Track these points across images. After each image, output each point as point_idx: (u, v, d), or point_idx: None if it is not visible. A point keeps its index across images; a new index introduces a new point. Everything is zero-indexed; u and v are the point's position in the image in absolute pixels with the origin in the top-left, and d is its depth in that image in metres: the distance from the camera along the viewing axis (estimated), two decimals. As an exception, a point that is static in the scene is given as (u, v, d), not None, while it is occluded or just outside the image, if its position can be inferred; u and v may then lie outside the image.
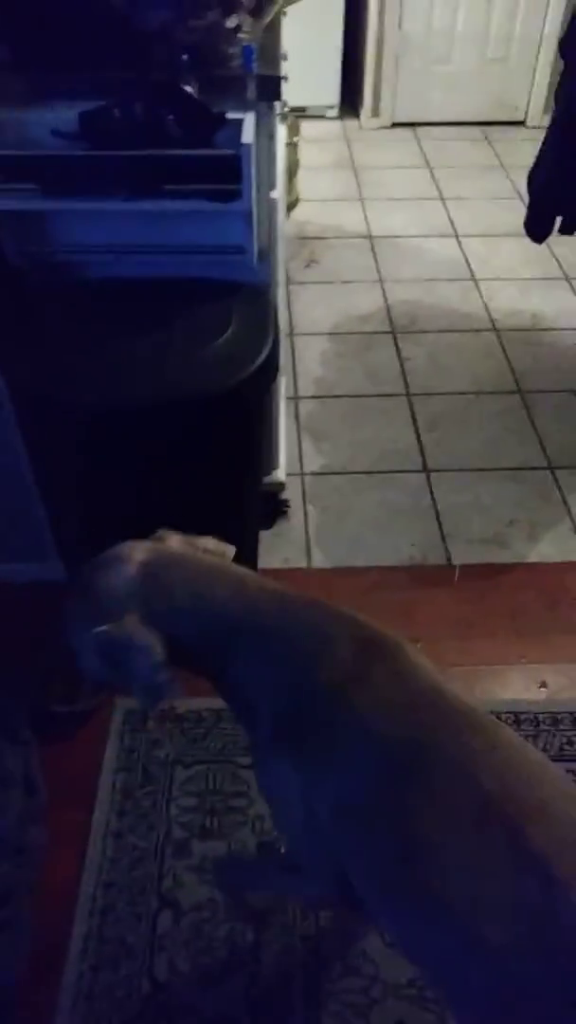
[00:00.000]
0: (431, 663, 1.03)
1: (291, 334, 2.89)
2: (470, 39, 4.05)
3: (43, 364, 1.56)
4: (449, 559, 2.13)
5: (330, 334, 2.90)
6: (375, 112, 4.32)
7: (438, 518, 2.24)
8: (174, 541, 1.09)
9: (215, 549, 1.12)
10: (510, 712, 1.79)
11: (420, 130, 4.31)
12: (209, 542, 1.12)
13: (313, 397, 2.65)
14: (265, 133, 1.53)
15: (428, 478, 2.35)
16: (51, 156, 1.47)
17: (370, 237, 3.46)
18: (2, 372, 1.64)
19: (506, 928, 0.83)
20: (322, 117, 4.38)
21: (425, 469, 2.38)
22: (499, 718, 1.03)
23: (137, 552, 1.03)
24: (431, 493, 2.31)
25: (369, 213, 3.62)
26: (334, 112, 4.41)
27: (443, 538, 2.19)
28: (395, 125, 4.35)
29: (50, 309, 1.64)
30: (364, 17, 4.04)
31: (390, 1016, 1.39)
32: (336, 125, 4.38)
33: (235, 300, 1.63)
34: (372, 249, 3.38)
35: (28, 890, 1.53)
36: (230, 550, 1.15)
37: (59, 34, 1.46)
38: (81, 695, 1.81)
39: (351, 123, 4.42)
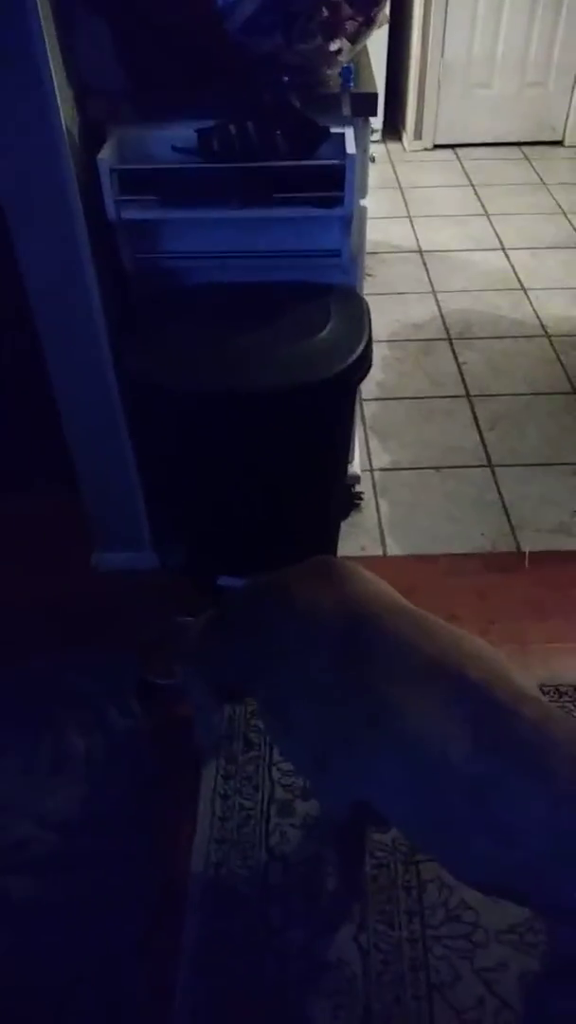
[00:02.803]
0: (381, 581, 1.27)
1: (352, 342, 3.02)
2: (510, 64, 4.22)
3: (153, 357, 1.69)
4: (518, 547, 2.24)
5: (388, 341, 3.03)
6: (417, 135, 4.49)
7: (505, 509, 2.35)
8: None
9: None
10: (587, 686, 1.89)
11: (461, 151, 4.47)
12: None
13: (377, 399, 2.78)
14: (361, 146, 1.67)
15: (493, 472, 2.47)
16: (171, 169, 1.62)
17: (420, 251, 3.61)
18: (114, 366, 1.79)
19: (459, 744, 1.03)
20: (366, 140, 4.55)
21: (489, 464, 2.50)
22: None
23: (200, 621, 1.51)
24: (497, 486, 2.43)
25: (418, 229, 3.77)
26: (377, 135, 4.59)
27: (511, 528, 2.30)
28: (436, 147, 4.52)
29: (162, 310, 1.79)
30: (407, 44, 4.22)
31: (493, 958, 1.48)
32: (379, 148, 4.55)
33: (331, 299, 1.77)
34: (423, 262, 3.53)
35: (147, 846, 1.65)
36: None
37: (178, 60, 1.62)
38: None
39: (394, 146, 4.60)
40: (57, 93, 1.43)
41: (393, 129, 4.62)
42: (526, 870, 1.04)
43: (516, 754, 1.03)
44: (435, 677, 1.08)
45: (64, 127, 1.47)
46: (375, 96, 1.65)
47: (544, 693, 1.87)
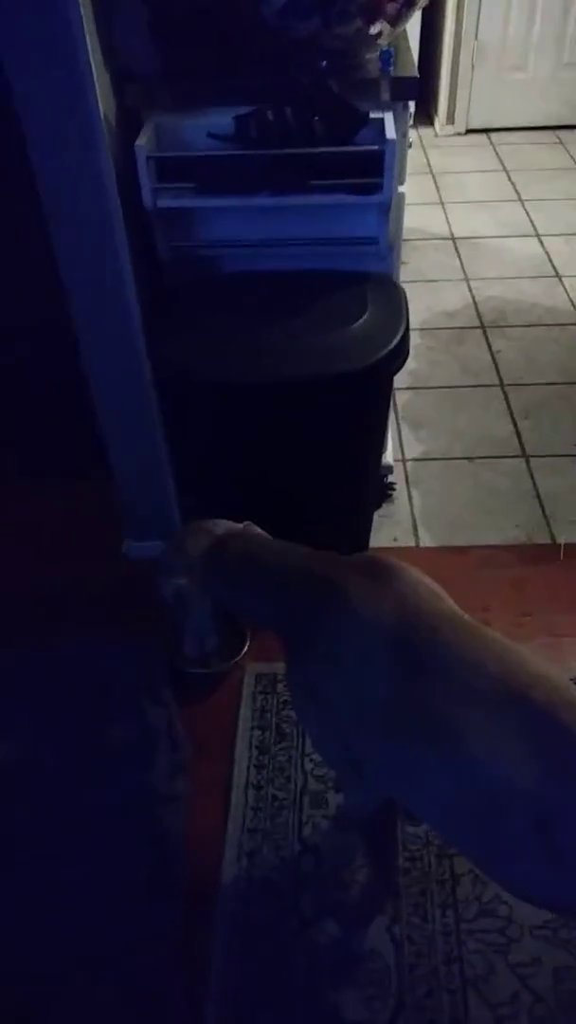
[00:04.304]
0: (433, 584, 1.20)
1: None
2: (545, 46, 4.14)
3: (188, 346, 1.69)
4: (554, 538, 2.22)
5: (420, 329, 3.00)
6: (450, 119, 4.43)
7: (540, 500, 2.32)
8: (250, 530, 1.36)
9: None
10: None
11: (494, 135, 4.40)
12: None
13: (409, 388, 2.75)
14: (400, 131, 1.64)
15: (527, 463, 2.44)
16: (207, 156, 1.61)
17: (452, 238, 3.57)
18: (147, 355, 1.79)
19: (527, 771, 0.98)
20: (397, 125, 4.49)
21: (524, 454, 2.47)
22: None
23: (219, 527, 1.34)
24: (531, 477, 2.40)
25: (450, 215, 3.72)
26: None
27: (546, 519, 2.27)
28: (469, 131, 4.45)
29: (197, 298, 1.78)
30: (440, 26, 4.16)
31: (527, 953, 1.47)
32: (411, 133, 4.48)
33: (368, 287, 1.75)
34: (455, 249, 3.49)
35: (179, 834, 1.66)
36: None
37: (215, 46, 1.60)
38: (212, 660, 1.94)
39: (425, 130, 4.54)
40: (95, 80, 1.42)
41: (424, 113, 4.56)
42: None
43: None
44: (500, 699, 1.03)
45: (102, 114, 1.46)
46: (416, 80, 1.63)
47: (579, 687, 1.85)
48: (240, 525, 1.37)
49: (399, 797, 1.26)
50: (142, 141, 1.56)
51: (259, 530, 1.38)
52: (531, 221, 3.65)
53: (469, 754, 1.02)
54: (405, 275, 3.38)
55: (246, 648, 1.95)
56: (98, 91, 1.44)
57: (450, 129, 4.45)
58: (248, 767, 1.76)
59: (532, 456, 2.46)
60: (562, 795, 0.98)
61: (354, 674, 1.13)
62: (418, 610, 1.12)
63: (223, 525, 1.36)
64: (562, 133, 4.36)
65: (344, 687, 1.15)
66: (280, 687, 1.89)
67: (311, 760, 1.76)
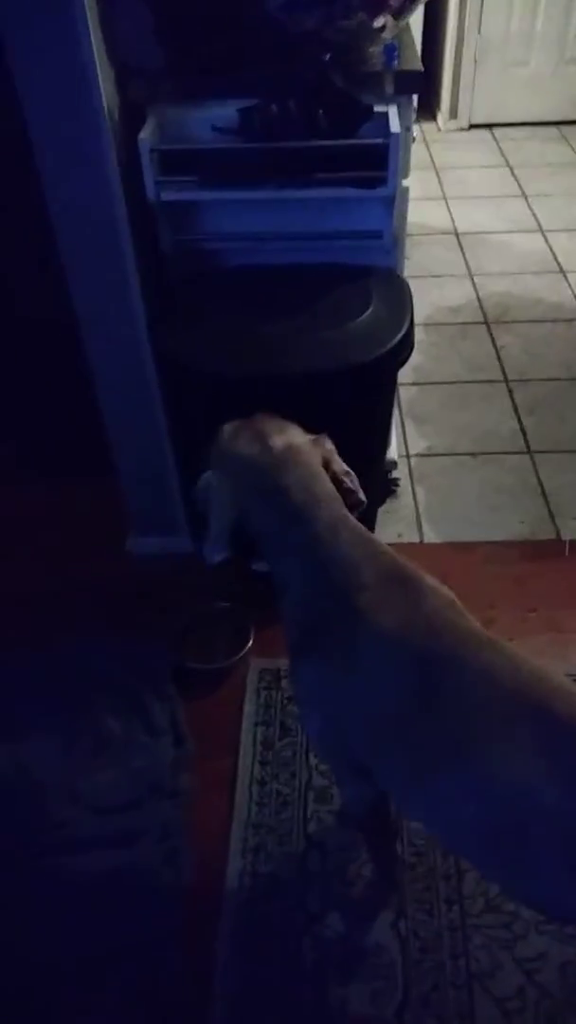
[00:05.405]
0: (447, 589, 1.14)
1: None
2: (549, 41, 4.13)
3: (191, 339, 1.68)
4: (558, 534, 2.21)
5: (424, 324, 2.99)
6: (453, 114, 4.42)
7: (545, 496, 2.32)
8: (312, 445, 1.22)
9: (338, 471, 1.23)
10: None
11: (497, 131, 4.39)
12: (339, 465, 1.23)
13: (413, 384, 2.74)
14: (405, 125, 1.63)
15: (532, 459, 2.43)
16: (211, 149, 1.61)
17: (456, 233, 3.56)
18: (151, 349, 1.78)
19: (552, 787, 0.95)
20: (400, 120, 4.48)
21: (528, 450, 2.46)
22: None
23: (276, 439, 1.19)
24: (536, 473, 2.39)
25: (453, 210, 3.71)
26: (411, 115, 4.51)
27: (551, 515, 2.26)
28: (472, 127, 4.44)
29: (200, 291, 1.77)
30: (443, 20, 4.15)
31: (533, 949, 1.47)
32: (414, 127, 4.47)
33: (372, 282, 1.74)
34: (459, 244, 3.48)
35: (185, 828, 1.65)
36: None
37: (218, 38, 1.59)
38: (217, 655, 1.94)
39: (428, 125, 4.53)
40: (99, 73, 1.42)
41: (427, 108, 4.55)
42: None
43: None
44: (520, 714, 1.00)
45: (105, 107, 1.45)
46: (420, 74, 1.62)
47: (585, 682, 1.84)
48: (309, 439, 1.23)
49: (409, 809, 1.24)
50: (145, 134, 1.56)
51: (329, 450, 1.22)
52: (535, 216, 3.63)
53: (490, 771, 0.99)
54: (408, 270, 3.35)
55: (250, 644, 1.94)
56: (102, 84, 1.43)
57: (453, 124, 4.44)
58: (252, 763, 1.76)
59: (537, 452, 2.46)
60: None
61: (368, 687, 1.10)
62: (438, 624, 1.08)
63: (288, 434, 1.21)
64: (565, 128, 4.35)
65: (355, 697, 1.12)
66: (284, 683, 1.89)
67: (315, 755, 1.75)
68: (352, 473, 1.22)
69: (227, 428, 1.24)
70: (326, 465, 1.21)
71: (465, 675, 1.04)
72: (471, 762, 1.01)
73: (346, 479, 1.22)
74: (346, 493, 1.20)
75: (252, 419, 1.25)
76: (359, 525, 1.18)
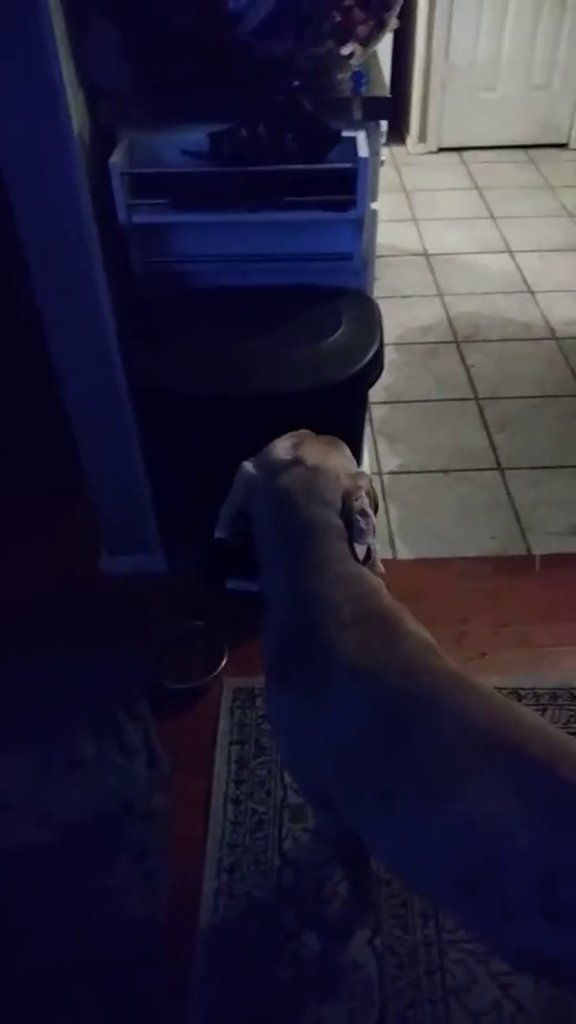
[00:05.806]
0: (427, 632, 1.16)
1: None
2: (514, 67, 4.22)
3: (163, 360, 1.69)
4: (529, 549, 2.24)
5: (395, 344, 3.03)
6: (422, 138, 4.50)
7: (515, 512, 2.35)
8: (346, 475, 1.23)
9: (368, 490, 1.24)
10: (600, 688, 1.88)
11: (466, 154, 4.48)
12: (360, 504, 1.21)
13: (384, 402, 2.78)
14: (373, 149, 1.66)
15: (503, 475, 2.47)
16: (182, 173, 1.63)
17: (426, 255, 3.62)
18: (124, 369, 1.79)
19: (525, 830, 0.95)
20: (370, 143, 4.56)
21: (499, 467, 2.50)
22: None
23: (310, 456, 1.23)
24: (507, 489, 2.42)
25: (423, 232, 3.77)
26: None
27: (522, 530, 2.29)
28: (441, 150, 4.52)
29: (172, 313, 1.79)
30: (411, 47, 4.23)
31: (508, 963, 1.48)
32: (383, 151, 4.55)
33: (343, 302, 1.77)
34: (429, 265, 3.53)
35: (160, 849, 1.64)
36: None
37: (189, 63, 1.62)
38: (191, 674, 1.94)
39: (398, 149, 4.60)
40: (68, 96, 1.43)
41: (397, 132, 4.63)
42: None
43: None
44: (495, 755, 0.99)
45: (75, 130, 1.47)
46: (387, 100, 1.66)
47: (556, 698, 1.87)
48: (350, 469, 1.25)
49: (375, 847, 1.23)
50: (116, 158, 1.58)
51: (359, 486, 1.21)
52: (503, 238, 3.70)
53: (461, 809, 0.99)
54: (379, 291, 3.39)
55: (224, 662, 1.94)
56: (72, 107, 1.45)
57: (422, 148, 4.52)
58: (227, 781, 1.75)
59: (507, 468, 2.49)
60: (567, 854, 0.94)
61: (338, 725, 1.10)
62: (414, 667, 1.09)
63: (327, 456, 1.24)
64: (532, 152, 4.45)
65: (324, 734, 1.12)
66: (259, 701, 1.89)
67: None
68: (370, 515, 1.21)
69: (288, 435, 1.29)
70: (346, 497, 1.20)
71: (438, 717, 1.04)
72: (441, 802, 1.01)
73: (360, 519, 1.19)
74: (357, 532, 1.19)
75: (307, 432, 1.30)
76: (351, 563, 1.18)
